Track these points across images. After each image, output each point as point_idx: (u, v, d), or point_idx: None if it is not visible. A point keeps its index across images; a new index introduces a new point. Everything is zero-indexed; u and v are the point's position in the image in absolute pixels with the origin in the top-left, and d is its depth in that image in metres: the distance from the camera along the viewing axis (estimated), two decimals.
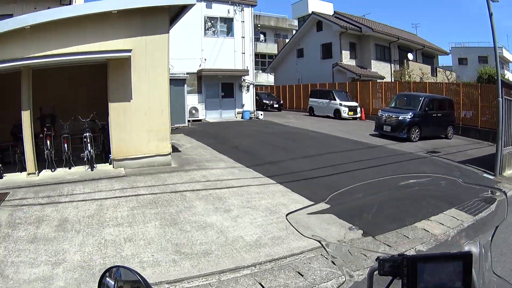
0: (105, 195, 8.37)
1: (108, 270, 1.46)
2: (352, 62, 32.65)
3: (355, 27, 32.27)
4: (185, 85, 21.68)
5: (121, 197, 8.25)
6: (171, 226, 6.63)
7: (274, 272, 5.03)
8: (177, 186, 9.10)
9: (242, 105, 27.23)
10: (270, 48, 44.72)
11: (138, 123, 11.00)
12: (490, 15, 11.72)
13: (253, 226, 6.68)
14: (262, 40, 44.90)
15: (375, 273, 1.41)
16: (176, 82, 20.86)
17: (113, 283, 1.42)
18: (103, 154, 12.08)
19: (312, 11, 35.66)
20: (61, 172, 10.68)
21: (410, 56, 33.94)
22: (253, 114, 27.30)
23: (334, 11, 36.31)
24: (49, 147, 10.47)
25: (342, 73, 31.37)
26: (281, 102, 33.78)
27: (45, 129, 10.55)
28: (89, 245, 5.78)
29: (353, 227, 2.04)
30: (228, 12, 26.55)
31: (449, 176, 1.82)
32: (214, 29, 26.63)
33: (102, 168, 11.17)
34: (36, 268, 5.01)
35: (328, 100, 27.21)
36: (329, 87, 29.87)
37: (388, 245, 5.51)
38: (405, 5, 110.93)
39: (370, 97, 27.30)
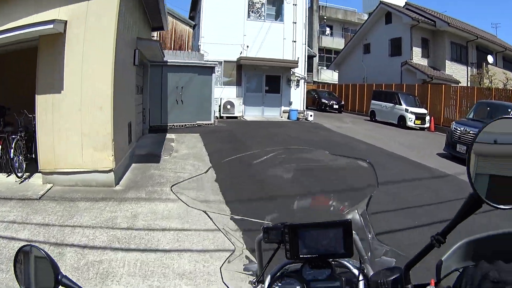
0: None
1: (21, 248, 1.38)
2: (424, 62, 28.53)
3: (429, 20, 27.98)
4: (213, 74, 18.33)
5: None
6: None
7: None
8: (72, 236, 5.65)
9: (290, 103, 23.48)
10: (337, 42, 41.46)
11: (70, 123, 7.64)
12: None
13: None
14: (328, 33, 41.95)
15: (261, 241, 1.50)
16: (201, 70, 17.74)
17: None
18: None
19: (380, 0, 31.33)
20: None
21: (490, 58, 29.08)
22: (301, 114, 23.44)
23: (406, 2, 31.70)
24: None
25: (411, 74, 27.50)
26: (342, 102, 30.37)
27: None
28: None
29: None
30: None
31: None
32: (259, 11, 23.00)
33: (34, 181, 8.09)
34: None
35: (392, 104, 23.05)
36: (395, 88, 26.09)
37: None
38: (483, 2, 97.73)
39: (441, 104, 22.86)
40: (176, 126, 17.22)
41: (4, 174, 8.16)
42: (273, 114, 23.30)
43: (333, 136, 16.78)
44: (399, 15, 28.87)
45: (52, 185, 7.72)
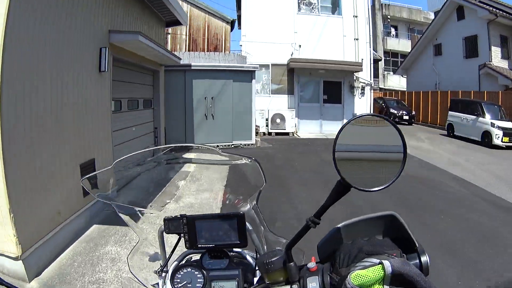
0: None
1: None
2: (504, 64, 23.78)
3: (507, 14, 23.01)
4: (253, 81, 14.31)
5: None
6: None
7: None
8: None
9: (353, 115, 18.98)
10: (403, 45, 37.14)
11: None
12: None
13: None
14: (393, 34, 37.70)
15: (163, 231, 1.59)
16: (237, 76, 13.94)
17: None
18: None
19: None
20: None
21: None
22: None
23: None
24: None
25: (491, 78, 23.03)
26: (413, 113, 26.62)
27: None
28: None
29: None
30: None
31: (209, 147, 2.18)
32: (312, 3, 18.90)
33: None
34: None
35: (474, 117, 18.23)
36: (475, 96, 21.79)
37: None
38: None
39: None
40: (205, 149, 13.47)
41: None
42: (333, 128, 18.93)
43: (413, 165, 12.28)
44: (473, 8, 24.40)
45: None
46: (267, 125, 17.73)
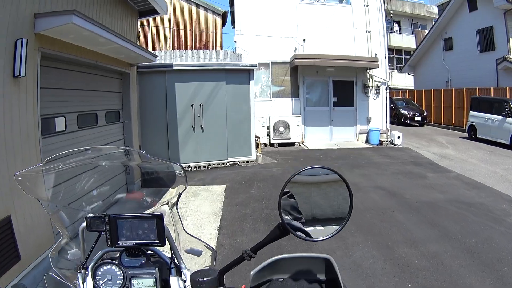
0: None
1: None
2: None
3: None
4: (251, 82, 11.83)
5: None
6: None
7: None
8: None
9: (368, 120, 16.72)
10: (407, 41, 35.76)
11: None
12: None
13: None
14: (396, 30, 36.16)
15: (84, 229, 1.64)
16: (232, 76, 11.64)
17: None
18: None
19: None
20: None
21: None
22: (385, 134, 16.67)
23: None
24: None
25: (511, 73, 21.11)
26: (425, 113, 25.35)
27: None
28: None
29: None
30: None
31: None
32: None
33: None
34: None
35: (501, 117, 16.35)
36: (494, 94, 20.05)
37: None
38: None
39: None
40: (194, 168, 10.97)
41: None
42: (345, 136, 16.59)
43: (453, 185, 9.88)
44: None
45: None
46: (268, 135, 15.30)
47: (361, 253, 5.51)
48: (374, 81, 16.62)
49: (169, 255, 1.71)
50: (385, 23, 16.92)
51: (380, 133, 16.34)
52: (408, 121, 24.33)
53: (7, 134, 4.18)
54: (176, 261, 1.71)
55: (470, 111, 18.77)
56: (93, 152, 2.16)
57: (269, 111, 15.52)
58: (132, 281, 1.64)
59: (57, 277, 1.68)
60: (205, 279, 1.47)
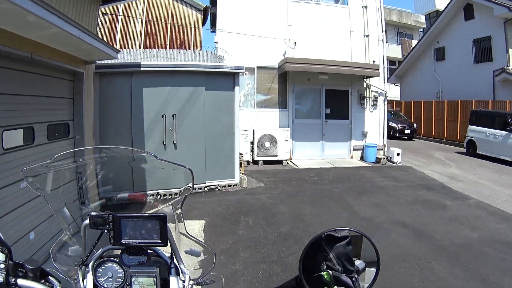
0: None
1: None
2: None
3: None
4: (236, 88, 10.05)
5: None
6: None
7: None
8: None
9: (364, 135, 15.19)
10: (392, 50, 34.41)
11: None
12: None
13: None
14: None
15: (87, 227, 1.73)
16: (212, 81, 9.91)
17: None
18: None
19: None
20: None
21: None
22: (381, 151, 15.12)
23: None
24: None
25: (511, 86, 20.54)
26: (415, 126, 24.73)
27: None
28: None
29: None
30: None
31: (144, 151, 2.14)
32: None
33: None
34: None
35: (505, 132, 15.40)
36: (492, 107, 19.39)
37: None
38: None
39: None
40: (165, 196, 9.00)
41: None
42: (338, 153, 14.96)
43: (476, 216, 8.41)
44: (486, 5, 21.88)
45: None
46: (252, 151, 13.55)
47: None
48: (372, 91, 15.09)
49: (169, 255, 1.79)
50: (384, 27, 15.40)
51: (378, 149, 14.78)
52: (397, 134, 23.40)
53: None
54: (175, 261, 1.80)
55: (469, 125, 17.84)
56: (101, 151, 2.26)
57: (253, 123, 13.80)
58: (133, 280, 1.70)
59: (58, 272, 1.68)
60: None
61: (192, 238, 1.90)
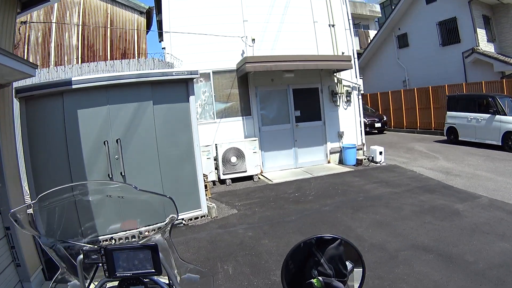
0: None
1: None
2: (490, 48, 21.36)
3: None
4: (191, 98, 8.31)
5: None
6: None
7: None
8: None
9: (340, 135, 13.81)
10: None
11: None
12: None
13: None
14: None
15: (82, 261, 1.74)
16: (160, 92, 8.30)
17: None
18: None
19: None
20: None
21: None
22: (361, 150, 13.79)
23: None
24: None
25: (482, 66, 20.55)
26: (385, 118, 24.22)
27: None
28: None
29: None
30: None
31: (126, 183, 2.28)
32: None
33: None
34: None
35: (488, 115, 15.06)
36: (467, 90, 19.24)
37: None
38: None
39: None
40: (120, 241, 7.22)
41: None
42: (313, 159, 13.52)
43: (493, 218, 7.26)
44: None
45: None
46: (216, 168, 11.92)
47: None
48: (344, 86, 13.70)
49: (167, 282, 1.83)
50: (350, 15, 14.05)
51: (357, 150, 13.41)
52: (368, 129, 22.13)
53: None
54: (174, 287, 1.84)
55: (448, 112, 17.36)
56: (84, 187, 2.43)
57: (215, 136, 12.23)
58: None
59: None
60: None
61: (187, 263, 2.02)
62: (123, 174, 7.46)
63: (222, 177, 11.76)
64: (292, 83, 13.06)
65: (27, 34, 12.55)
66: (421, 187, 9.66)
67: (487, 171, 10.99)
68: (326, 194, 9.63)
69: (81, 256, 1.71)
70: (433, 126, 20.85)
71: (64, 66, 10.45)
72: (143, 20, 13.86)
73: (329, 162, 13.64)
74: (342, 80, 13.67)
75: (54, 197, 2.08)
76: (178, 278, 1.90)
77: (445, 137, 17.53)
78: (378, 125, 23.25)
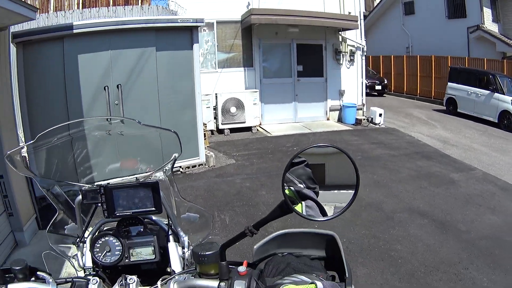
0: None
1: None
2: (495, 28, 20.82)
3: None
4: (195, 46, 8.24)
5: None
6: None
7: None
8: None
9: (341, 94, 13.80)
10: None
11: None
12: None
13: None
14: None
15: (80, 203, 1.69)
16: (164, 39, 8.08)
17: None
18: None
19: None
20: None
21: None
22: (361, 110, 13.80)
23: None
24: None
25: (485, 44, 20.19)
26: (385, 82, 23.64)
27: None
28: None
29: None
30: None
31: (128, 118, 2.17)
32: None
33: None
34: None
35: (487, 92, 15.02)
36: (470, 64, 18.91)
37: None
38: None
39: None
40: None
41: None
42: (313, 114, 13.54)
43: (488, 192, 7.45)
44: None
45: None
46: (215, 118, 11.92)
47: None
48: (348, 45, 13.52)
49: (166, 222, 1.77)
50: None
51: (357, 109, 13.44)
52: (368, 91, 21.45)
53: None
54: (173, 227, 1.77)
55: (449, 83, 17.28)
56: (83, 124, 2.23)
57: (216, 86, 12.10)
58: (131, 251, 1.65)
59: (56, 254, 1.70)
60: (207, 253, 1.37)
61: (188, 202, 1.93)
62: (123, 121, 7.43)
63: (221, 126, 11.77)
64: (296, 38, 12.82)
65: None
66: (419, 153, 9.74)
67: (483, 146, 11.06)
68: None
69: (80, 197, 1.65)
70: (433, 95, 20.76)
71: (65, 12, 10.39)
72: None
73: (328, 119, 13.66)
74: (347, 39, 13.44)
75: (51, 137, 1.96)
76: (178, 218, 1.86)
77: (444, 107, 17.51)
78: (378, 87, 22.99)
